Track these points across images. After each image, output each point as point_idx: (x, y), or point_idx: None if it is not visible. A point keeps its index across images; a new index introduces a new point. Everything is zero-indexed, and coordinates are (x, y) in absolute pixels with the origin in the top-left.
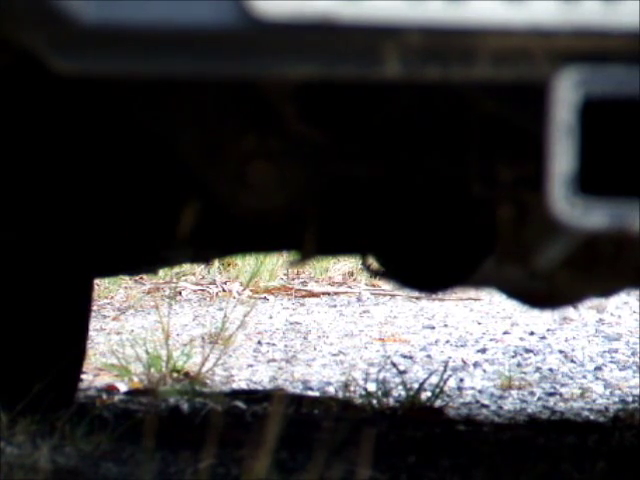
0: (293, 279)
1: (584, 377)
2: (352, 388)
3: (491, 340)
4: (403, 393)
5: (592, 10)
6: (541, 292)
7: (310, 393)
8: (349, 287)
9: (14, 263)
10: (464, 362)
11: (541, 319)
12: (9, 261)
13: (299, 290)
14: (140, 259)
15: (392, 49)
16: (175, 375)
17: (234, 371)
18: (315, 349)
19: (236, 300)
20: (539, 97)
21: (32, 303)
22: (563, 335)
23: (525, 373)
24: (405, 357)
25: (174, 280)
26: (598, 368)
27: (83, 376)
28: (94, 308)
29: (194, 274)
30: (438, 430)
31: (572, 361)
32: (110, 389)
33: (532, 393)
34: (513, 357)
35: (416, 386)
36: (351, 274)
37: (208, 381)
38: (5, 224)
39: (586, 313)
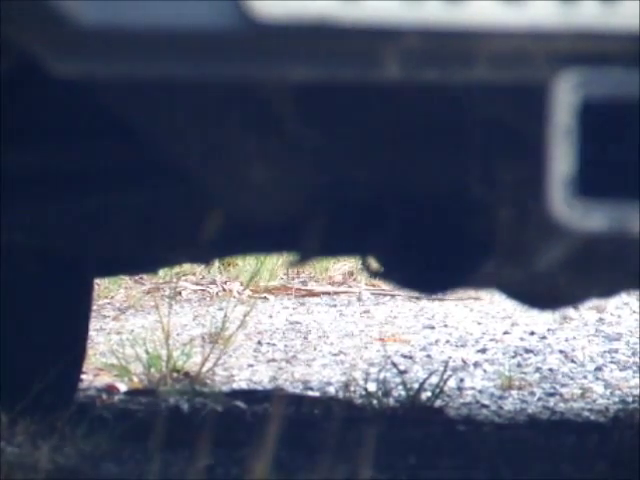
0: (293, 279)
1: (584, 377)
2: (352, 388)
3: (491, 340)
4: (403, 393)
5: (591, 12)
6: (541, 293)
7: (310, 393)
8: (349, 287)
9: (16, 264)
10: (464, 362)
11: (541, 319)
12: (10, 262)
13: (299, 290)
14: (140, 259)
15: (391, 51)
16: (175, 375)
17: (234, 371)
18: (315, 349)
19: (236, 300)
20: (538, 99)
21: (32, 303)
22: (563, 335)
23: (525, 373)
24: (405, 357)
25: (174, 280)
26: (598, 368)
27: (83, 376)
28: (94, 308)
29: (194, 274)
30: (438, 430)
31: (572, 361)
32: (110, 389)
33: (532, 393)
34: (513, 357)
35: (416, 386)
36: (351, 274)
37: (208, 381)
38: (11, 225)
39: (586, 313)
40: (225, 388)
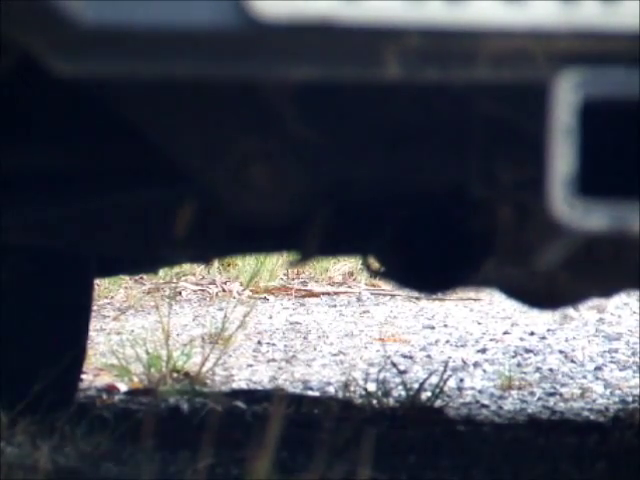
0: (293, 279)
1: (584, 377)
2: (352, 388)
3: (491, 340)
4: (403, 393)
5: (592, 12)
6: (541, 292)
7: (310, 393)
8: (349, 287)
9: (15, 264)
10: (464, 362)
11: (541, 319)
12: (10, 262)
13: (299, 290)
14: (140, 259)
15: (392, 51)
16: (175, 375)
17: (234, 371)
18: (315, 349)
19: (236, 300)
20: (539, 99)
21: (32, 303)
22: (563, 335)
23: (525, 373)
24: (405, 357)
25: (174, 280)
26: (598, 368)
27: (83, 376)
28: (94, 308)
29: (194, 274)
30: (438, 430)
31: (572, 361)
32: (110, 389)
33: (532, 393)
34: (513, 357)
35: (416, 386)
36: (351, 274)
37: (208, 381)
38: (11, 225)
39: (586, 313)
40: (225, 388)
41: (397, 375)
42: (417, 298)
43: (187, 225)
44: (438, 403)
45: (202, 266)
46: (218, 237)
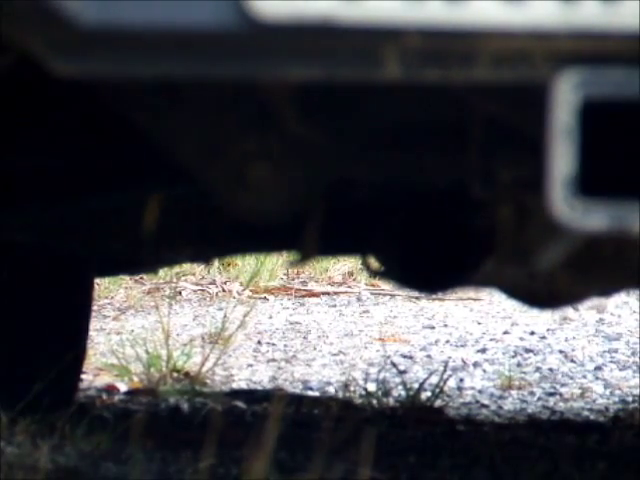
0: (293, 279)
1: (584, 377)
2: (352, 388)
3: (491, 340)
4: (403, 393)
5: (592, 12)
6: (541, 292)
7: (310, 393)
8: (349, 287)
9: (15, 263)
10: (464, 362)
11: (541, 319)
12: (10, 262)
13: (299, 290)
14: (140, 259)
15: (392, 51)
16: (175, 375)
17: (234, 371)
18: (315, 349)
19: (236, 300)
20: (539, 99)
21: (32, 303)
22: (563, 335)
23: (525, 373)
24: (405, 357)
25: (174, 280)
26: (598, 368)
27: (83, 376)
28: (94, 308)
29: (194, 274)
30: (438, 430)
31: (572, 361)
32: (110, 389)
33: (532, 393)
34: (513, 357)
35: (416, 386)
36: (351, 274)
37: (208, 381)
38: (11, 225)
39: (586, 313)
40: (225, 388)
41: (397, 375)
42: (417, 298)
43: (187, 224)
44: (438, 403)
45: (202, 266)
46: (218, 237)
